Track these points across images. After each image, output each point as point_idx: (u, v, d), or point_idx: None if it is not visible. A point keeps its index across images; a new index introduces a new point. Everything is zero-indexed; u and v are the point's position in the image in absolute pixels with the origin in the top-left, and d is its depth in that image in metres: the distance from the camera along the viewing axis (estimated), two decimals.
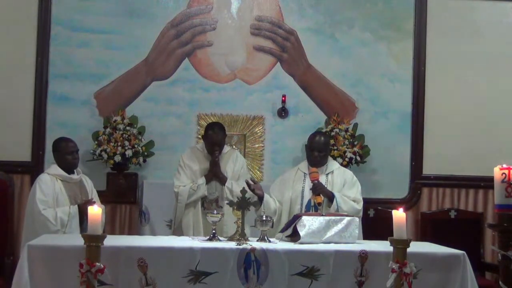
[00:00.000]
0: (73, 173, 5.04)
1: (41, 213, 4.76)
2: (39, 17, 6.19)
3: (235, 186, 5.09)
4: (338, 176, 5.02)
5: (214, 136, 5.17)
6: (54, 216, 4.77)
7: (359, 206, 4.92)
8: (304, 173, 5.03)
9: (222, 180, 5.15)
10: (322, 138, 5.09)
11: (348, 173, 5.11)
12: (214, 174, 5.15)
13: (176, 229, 5.13)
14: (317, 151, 5.00)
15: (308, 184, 4.92)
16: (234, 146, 6.17)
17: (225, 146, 5.35)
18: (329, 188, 4.90)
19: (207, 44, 6.42)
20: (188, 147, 5.60)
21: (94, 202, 4.87)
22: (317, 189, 4.77)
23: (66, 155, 5.02)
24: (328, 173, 5.03)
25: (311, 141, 5.12)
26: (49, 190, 4.88)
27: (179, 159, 5.29)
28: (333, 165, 5.14)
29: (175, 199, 5.15)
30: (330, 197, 4.82)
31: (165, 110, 6.33)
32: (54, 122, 6.19)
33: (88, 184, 5.14)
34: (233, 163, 5.28)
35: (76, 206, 4.88)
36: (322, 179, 4.94)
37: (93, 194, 5.16)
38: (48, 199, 4.85)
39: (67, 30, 6.24)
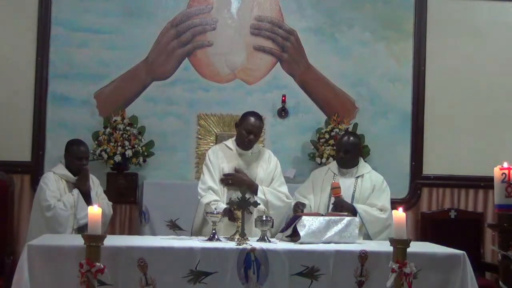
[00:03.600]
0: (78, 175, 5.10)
1: (51, 206, 4.89)
2: (39, 17, 6.20)
3: (269, 196, 4.77)
4: (367, 181, 4.94)
5: (252, 122, 4.80)
6: (63, 203, 4.91)
7: (385, 214, 4.80)
8: (334, 174, 4.97)
9: (252, 188, 4.71)
10: (351, 139, 4.99)
11: (378, 178, 4.99)
12: (241, 182, 4.71)
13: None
14: (343, 152, 4.93)
15: None
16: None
17: (256, 145, 4.97)
18: (357, 192, 4.85)
19: (207, 44, 6.41)
20: (215, 145, 5.42)
21: (87, 170, 5.04)
22: (338, 207, 4.67)
23: (75, 160, 5.10)
24: (358, 177, 4.95)
25: (338, 141, 5.10)
26: (54, 188, 4.99)
27: (206, 156, 4.94)
28: (364, 168, 5.03)
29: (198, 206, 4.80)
30: (353, 212, 4.69)
31: (165, 110, 6.33)
32: (54, 122, 6.19)
33: (94, 183, 5.18)
34: (266, 163, 4.91)
35: (76, 189, 5.01)
36: (351, 182, 4.89)
37: (99, 193, 5.22)
38: (56, 195, 4.97)
39: (67, 30, 6.24)
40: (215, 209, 4.44)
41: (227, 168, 4.84)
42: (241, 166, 4.86)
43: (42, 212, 4.93)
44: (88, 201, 4.90)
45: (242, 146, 4.88)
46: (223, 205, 4.63)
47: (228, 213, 4.51)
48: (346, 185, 4.90)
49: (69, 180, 5.07)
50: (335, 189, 4.72)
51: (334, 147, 6.07)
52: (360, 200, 4.88)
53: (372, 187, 4.93)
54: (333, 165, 5.10)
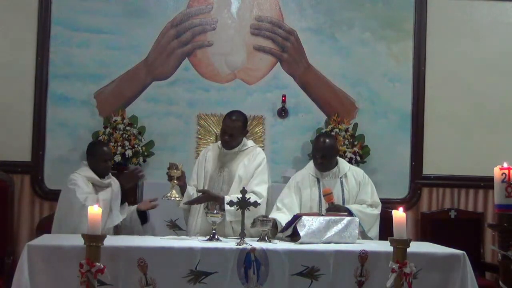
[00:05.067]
0: (103, 177, 4.94)
1: (84, 206, 4.56)
2: (39, 17, 6.20)
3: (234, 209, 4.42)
4: (351, 179, 4.83)
5: (227, 123, 4.75)
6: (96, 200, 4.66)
7: (378, 210, 4.76)
8: (317, 178, 4.84)
9: (219, 201, 4.59)
10: (327, 141, 4.82)
11: (359, 173, 4.91)
12: (207, 200, 4.67)
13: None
14: (320, 157, 4.78)
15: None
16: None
17: (248, 141, 4.92)
18: (346, 193, 4.79)
19: (207, 44, 6.42)
20: (211, 144, 5.46)
21: (143, 176, 4.86)
22: (332, 211, 4.56)
23: (101, 162, 4.91)
24: (342, 176, 4.83)
25: (313, 144, 4.96)
26: (86, 188, 4.78)
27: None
28: (345, 166, 4.90)
29: None
30: (348, 214, 4.55)
31: (165, 110, 6.33)
32: (54, 122, 6.19)
33: (116, 185, 5.02)
34: (250, 161, 4.77)
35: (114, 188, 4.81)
36: (337, 183, 4.81)
37: (118, 196, 5.03)
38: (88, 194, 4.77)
39: (67, 30, 6.24)
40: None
41: (211, 166, 4.85)
42: (223, 165, 4.83)
43: (77, 212, 4.59)
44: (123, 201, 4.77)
45: (223, 146, 4.86)
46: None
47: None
48: (334, 188, 4.78)
49: (95, 182, 4.85)
50: (328, 196, 4.59)
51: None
52: (350, 199, 4.81)
53: (358, 184, 4.84)
54: (311, 169, 4.89)
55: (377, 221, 4.78)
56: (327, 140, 4.84)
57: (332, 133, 6.21)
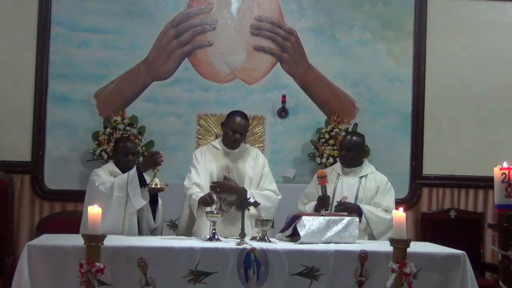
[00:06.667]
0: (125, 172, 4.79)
1: (101, 191, 4.56)
2: (39, 17, 6.19)
3: (259, 199, 4.59)
4: (371, 181, 4.92)
5: (238, 121, 4.82)
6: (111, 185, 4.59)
7: (389, 215, 4.69)
8: (338, 174, 4.99)
9: (238, 192, 4.62)
10: (354, 138, 5.02)
11: (382, 179, 4.98)
12: (230, 190, 4.73)
13: (182, 233, 4.82)
14: (345, 150, 4.95)
15: (340, 185, 4.91)
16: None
17: (242, 143, 4.99)
18: (360, 192, 4.85)
19: (207, 44, 6.42)
20: (202, 146, 5.44)
21: (160, 157, 4.64)
22: (341, 209, 4.63)
23: (121, 156, 4.86)
24: (362, 176, 4.94)
25: (341, 140, 5.15)
26: (106, 178, 4.71)
27: (193, 156, 4.99)
28: (368, 168, 5.03)
29: (184, 201, 4.88)
30: (358, 212, 4.67)
31: (165, 110, 6.33)
32: (54, 122, 6.18)
33: (132, 170, 4.89)
34: (254, 161, 4.90)
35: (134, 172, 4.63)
36: (355, 181, 4.90)
37: (134, 181, 4.90)
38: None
39: (67, 30, 6.23)
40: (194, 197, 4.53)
41: (215, 166, 4.84)
42: (229, 165, 4.87)
43: (98, 200, 4.31)
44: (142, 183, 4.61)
45: (228, 145, 4.89)
46: (201, 194, 4.64)
47: (204, 200, 4.52)
48: (350, 184, 4.91)
49: (117, 176, 4.73)
50: (322, 179, 4.61)
51: (336, 147, 6.10)
52: (363, 200, 4.86)
53: (376, 188, 4.91)
54: (337, 165, 5.11)
55: (392, 230, 4.70)
56: (354, 137, 5.05)
57: (332, 133, 6.23)
